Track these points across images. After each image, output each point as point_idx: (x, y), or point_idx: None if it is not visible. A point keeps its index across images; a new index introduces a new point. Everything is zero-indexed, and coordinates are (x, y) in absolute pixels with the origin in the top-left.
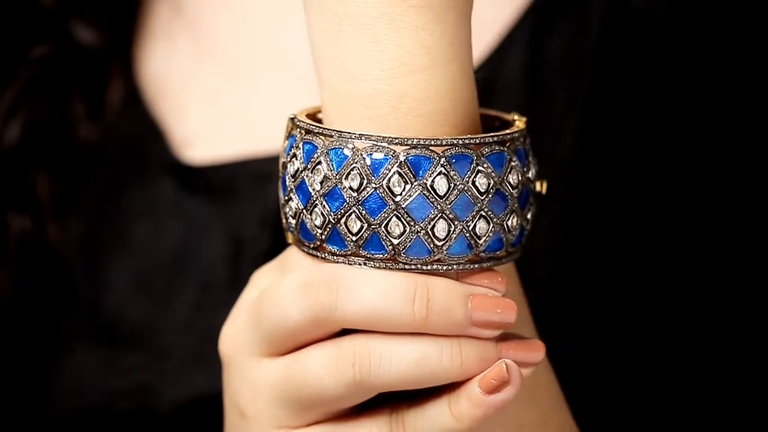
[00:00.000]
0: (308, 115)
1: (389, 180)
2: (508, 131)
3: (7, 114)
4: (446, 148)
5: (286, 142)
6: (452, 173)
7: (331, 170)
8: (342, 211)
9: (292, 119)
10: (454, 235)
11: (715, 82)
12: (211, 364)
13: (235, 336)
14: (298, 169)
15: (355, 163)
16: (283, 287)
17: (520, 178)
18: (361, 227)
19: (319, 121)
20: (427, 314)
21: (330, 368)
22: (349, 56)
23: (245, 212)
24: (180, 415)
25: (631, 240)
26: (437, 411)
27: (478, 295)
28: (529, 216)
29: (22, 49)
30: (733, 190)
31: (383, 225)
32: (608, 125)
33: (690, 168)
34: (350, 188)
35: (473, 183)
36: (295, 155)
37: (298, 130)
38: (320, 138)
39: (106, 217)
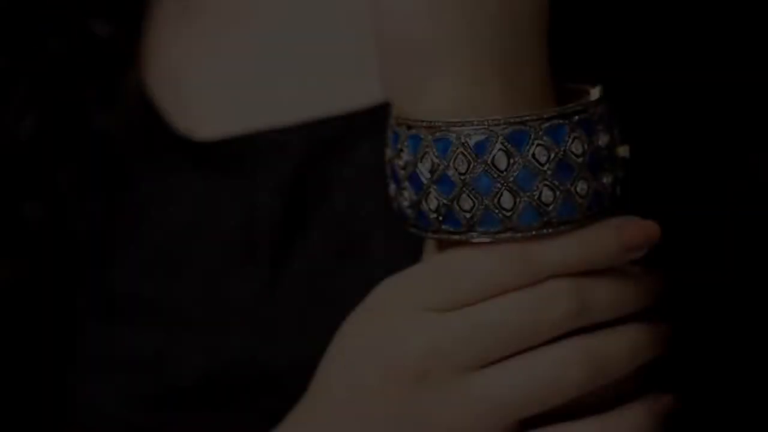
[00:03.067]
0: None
1: (493, 158)
2: (572, 105)
3: (22, 105)
4: (541, 121)
5: (393, 136)
6: (550, 143)
7: (437, 158)
8: (453, 194)
9: (398, 120)
10: (560, 200)
11: (732, 81)
12: (231, 333)
13: (434, 355)
14: (408, 161)
15: (460, 147)
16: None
17: (586, 147)
18: (473, 205)
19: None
20: (629, 248)
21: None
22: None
23: (257, 184)
24: (203, 384)
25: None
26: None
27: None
28: (605, 180)
29: (34, 40)
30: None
31: (495, 200)
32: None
33: (702, 169)
34: (458, 172)
35: (570, 150)
36: (426, 153)
37: (419, 129)
38: (424, 130)
39: (119, 199)
